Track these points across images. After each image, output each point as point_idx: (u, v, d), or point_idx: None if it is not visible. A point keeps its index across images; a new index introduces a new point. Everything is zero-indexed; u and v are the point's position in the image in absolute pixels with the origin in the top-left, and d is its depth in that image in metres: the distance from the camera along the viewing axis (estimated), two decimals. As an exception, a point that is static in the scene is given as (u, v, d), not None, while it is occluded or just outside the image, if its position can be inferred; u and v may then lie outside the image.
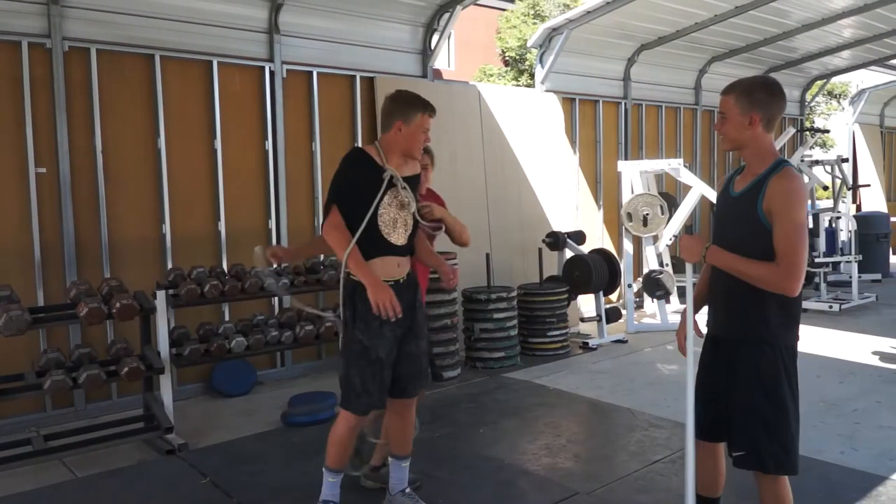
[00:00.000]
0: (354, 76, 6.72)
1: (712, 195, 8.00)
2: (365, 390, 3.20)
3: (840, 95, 23.98)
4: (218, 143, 5.94)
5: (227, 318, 5.83)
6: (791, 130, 9.55)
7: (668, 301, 8.32)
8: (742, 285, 2.55)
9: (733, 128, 2.64)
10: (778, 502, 2.67)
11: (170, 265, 5.57)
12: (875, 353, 6.67)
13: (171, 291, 4.81)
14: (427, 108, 3.36)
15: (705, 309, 2.88)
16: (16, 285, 4.49)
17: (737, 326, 2.68)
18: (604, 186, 9.09)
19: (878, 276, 10.82)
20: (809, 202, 11.27)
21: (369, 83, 6.83)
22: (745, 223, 2.58)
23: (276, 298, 6.08)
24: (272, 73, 6.21)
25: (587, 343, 7.23)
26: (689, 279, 2.85)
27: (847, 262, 9.43)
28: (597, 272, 7.17)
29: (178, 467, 4.26)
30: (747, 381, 2.61)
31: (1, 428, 4.86)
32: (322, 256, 6.13)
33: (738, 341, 2.66)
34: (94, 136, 5.35)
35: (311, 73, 6.45)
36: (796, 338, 2.65)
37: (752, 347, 2.61)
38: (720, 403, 2.70)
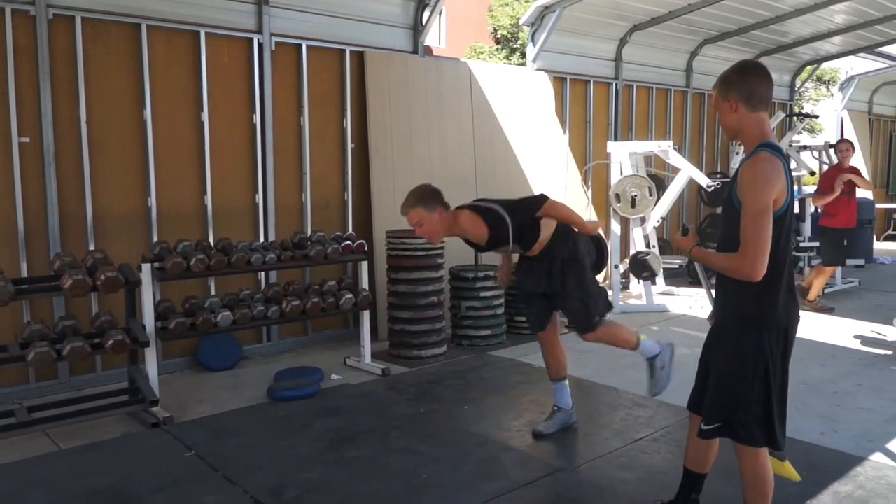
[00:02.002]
0: (344, 50, 6.65)
1: (701, 178, 8.03)
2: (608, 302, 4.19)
3: (829, 81, 24.02)
4: (205, 116, 5.87)
5: (212, 292, 5.81)
6: (780, 115, 9.58)
7: (653, 283, 8.36)
8: (727, 280, 2.69)
9: (723, 115, 2.72)
10: (756, 478, 2.73)
11: (155, 238, 5.53)
12: (856, 336, 6.76)
13: (156, 265, 4.77)
14: None
15: None
16: (-2, 256, 4.44)
17: (722, 309, 2.80)
18: (593, 167, 9.09)
19: (861, 262, 10.90)
20: (796, 187, 11.33)
21: (359, 58, 6.76)
22: (728, 207, 2.67)
23: (263, 273, 6.07)
24: (261, 46, 6.13)
25: (573, 323, 7.25)
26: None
27: (832, 246, 9.48)
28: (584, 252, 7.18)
29: (163, 440, 4.26)
30: (724, 358, 2.73)
31: (-17, 399, 4.84)
32: (309, 231, 6.11)
33: (722, 322, 2.79)
34: (79, 105, 5.27)
35: (300, 45, 6.37)
36: (782, 318, 2.65)
37: (732, 327, 2.72)
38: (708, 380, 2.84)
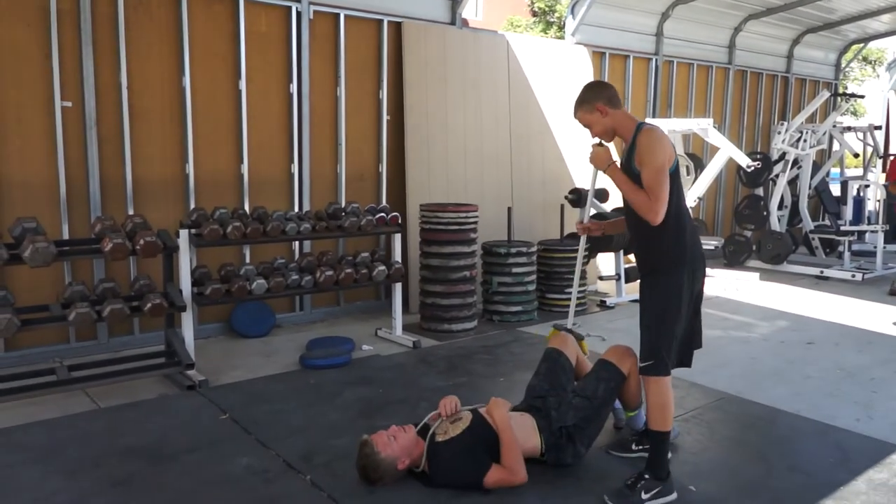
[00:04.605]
0: (382, 20, 6.61)
1: (741, 158, 7.87)
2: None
3: (875, 62, 23.34)
4: (243, 85, 5.89)
5: (247, 260, 5.88)
6: (825, 94, 9.30)
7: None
8: (645, 237, 3.22)
9: (597, 125, 3.25)
10: (661, 401, 3.22)
11: (192, 205, 5.60)
12: (895, 323, 6.62)
13: (193, 231, 4.82)
14: None
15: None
16: (41, 219, 4.51)
17: (644, 263, 3.33)
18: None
19: (901, 247, 10.66)
20: (838, 169, 11.08)
21: (396, 28, 6.72)
22: (628, 175, 3.16)
23: (297, 243, 6.12)
24: (299, 15, 6.11)
25: (604, 301, 7.23)
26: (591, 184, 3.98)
27: (873, 231, 9.28)
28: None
29: (198, 402, 4.34)
30: (653, 300, 3.24)
31: (26, 357, 4.99)
32: (344, 202, 6.12)
33: (645, 274, 3.32)
34: (120, 71, 5.32)
35: (338, 14, 6.35)
36: (695, 256, 3.21)
37: (651, 278, 3.25)
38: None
